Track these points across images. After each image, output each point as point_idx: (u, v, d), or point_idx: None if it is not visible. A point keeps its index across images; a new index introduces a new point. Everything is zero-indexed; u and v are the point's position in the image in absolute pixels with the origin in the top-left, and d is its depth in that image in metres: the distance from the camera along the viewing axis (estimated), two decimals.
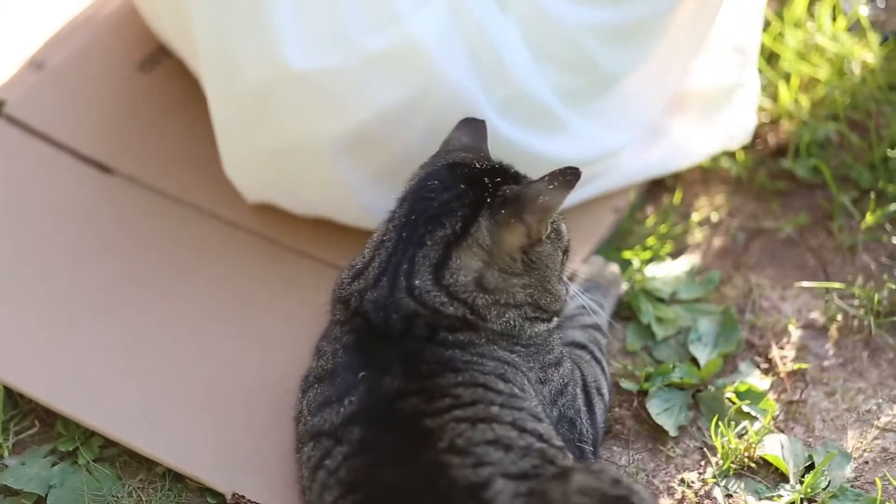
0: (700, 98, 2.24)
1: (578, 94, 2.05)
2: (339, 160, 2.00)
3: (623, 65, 2.06)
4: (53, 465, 1.95)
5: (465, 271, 1.76)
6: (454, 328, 1.75)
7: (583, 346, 1.93)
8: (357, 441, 1.69)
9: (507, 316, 1.78)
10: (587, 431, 1.85)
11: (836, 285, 2.12)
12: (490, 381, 1.72)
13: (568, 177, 1.75)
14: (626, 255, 2.17)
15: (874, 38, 2.39)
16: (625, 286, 2.11)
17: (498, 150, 1.91)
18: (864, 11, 2.45)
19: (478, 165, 1.82)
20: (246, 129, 2.04)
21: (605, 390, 1.91)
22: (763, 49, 2.38)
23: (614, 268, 2.11)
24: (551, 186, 1.74)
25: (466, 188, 1.78)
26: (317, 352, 1.84)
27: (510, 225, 1.75)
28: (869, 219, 2.17)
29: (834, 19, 2.43)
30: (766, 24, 2.40)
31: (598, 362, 1.93)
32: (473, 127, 1.90)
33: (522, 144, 2.02)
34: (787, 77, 2.36)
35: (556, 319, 1.85)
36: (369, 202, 2.05)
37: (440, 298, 1.75)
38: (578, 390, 1.86)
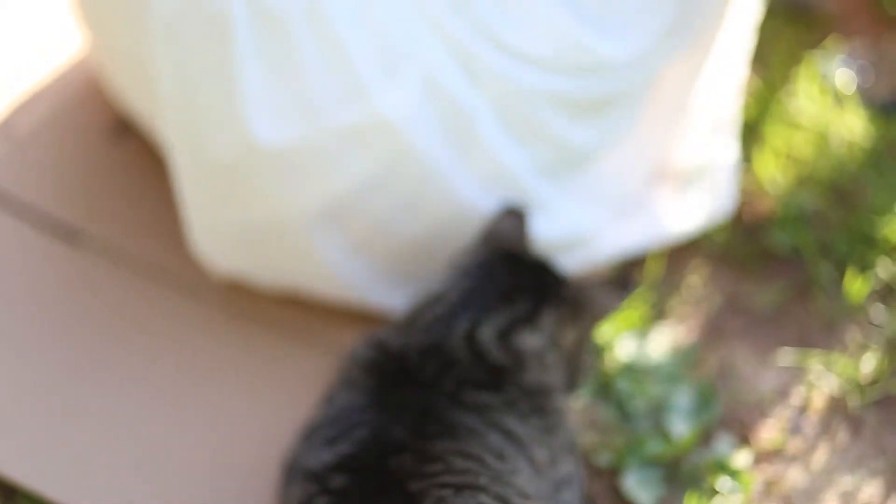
0: (679, 175, 2.22)
1: (553, 170, 2.03)
2: (312, 234, 1.98)
3: (596, 140, 2.03)
4: None
5: (528, 344, 1.82)
6: (481, 385, 1.77)
7: (572, 444, 1.90)
8: (339, 492, 1.66)
9: (543, 376, 1.82)
10: None
11: (817, 359, 2.08)
12: (484, 456, 1.70)
13: (622, 287, 1.88)
14: (603, 326, 2.13)
15: (859, 108, 2.38)
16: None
17: (477, 226, 1.95)
18: (848, 79, 2.44)
19: (534, 257, 1.90)
20: (214, 204, 2.02)
21: (583, 485, 1.90)
22: (744, 119, 2.36)
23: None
24: (608, 294, 1.86)
25: (532, 277, 1.86)
26: (326, 399, 1.83)
27: (570, 323, 1.85)
28: (850, 291, 2.14)
29: (817, 87, 2.41)
30: (748, 95, 2.39)
31: (580, 457, 1.91)
32: (516, 218, 1.94)
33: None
34: (768, 148, 2.34)
35: (569, 401, 1.90)
36: (346, 275, 2.03)
37: (493, 347, 1.79)
38: (572, 490, 1.84)
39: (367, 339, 1.86)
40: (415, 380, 1.77)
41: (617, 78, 2.00)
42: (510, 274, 1.86)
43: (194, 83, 1.92)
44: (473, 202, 1.97)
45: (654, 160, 2.18)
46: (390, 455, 1.67)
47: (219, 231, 2.04)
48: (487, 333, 1.80)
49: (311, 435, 1.78)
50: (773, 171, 2.31)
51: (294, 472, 1.75)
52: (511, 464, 1.72)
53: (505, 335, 1.81)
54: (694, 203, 2.22)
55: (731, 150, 2.22)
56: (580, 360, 1.89)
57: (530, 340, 1.82)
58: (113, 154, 2.33)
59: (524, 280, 1.86)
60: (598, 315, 1.88)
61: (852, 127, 2.36)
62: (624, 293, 1.88)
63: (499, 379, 1.79)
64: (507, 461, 1.72)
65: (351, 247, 2.00)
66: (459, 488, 1.63)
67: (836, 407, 2.05)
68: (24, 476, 1.93)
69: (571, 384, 1.89)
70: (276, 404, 1.99)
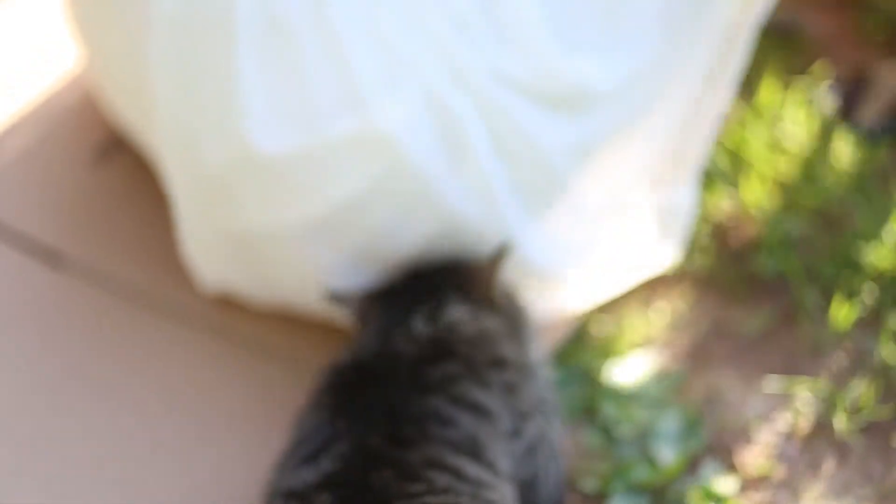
0: (642, 216, 2.19)
1: (534, 196, 2.02)
2: (306, 245, 1.97)
3: (576, 167, 2.03)
4: None
5: (458, 313, 1.88)
6: (436, 357, 1.81)
7: (544, 403, 1.93)
8: None
9: (482, 325, 1.88)
10: (544, 495, 1.84)
11: (803, 385, 2.08)
12: (461, 465, 1.70)
13: (501, 251, 1.91)
14: (588, 352, 2.13)
15: (846, 133, 2.38)
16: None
17: (456, 242, 1.98)
18: (834, 105, 2.44)
19: (415, 267, 1.98)
20: (208, 214, 2.01)
21: (561, 449, 1.92)
22: (729, 144, 2.36)
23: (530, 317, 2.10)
24: (486, 263, 1.92)
25: (425, 276, 1.95)
26: (297, 425, 1.83)
27: (467, 293, 1.90)
28: (837, 317, 2.13)
29: (803, 112, 2.41)
30: (733, 119, 2.39)
31: (556, 418, 1.93)
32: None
33: (486, 241, 2.00)
34: (754, 173, 2.34)
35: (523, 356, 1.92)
36: (344, 284, 2.02)
37: (431, 328, 1.85)
38: (543, 451, 1.86)
39: (322, 370, 1.90)
40: (374, 379, 1.80)
41: (607, 112, 2.00)
42: (399, 293, 1.94)
43: (192, 89, 1.92)
44: (463, 220, 1.97)
45: (626, 198, 2.16)
46: (372, 470, 1.68)
47: (212, 242, 2.04)
48: (420, 322, 1.86)
49: (286, 460, 1.78)
50: (759, 196, 2.31)
51: (275, 493, 1.75)
52: (488, 456, 1.74)
53: (436, 320, 1.87)
54: (646, 249, 2.20)
55: (691, 195, 2.20)
56: (499, 314, 1.93)
57: (457, 311, 1.88)
58: (98, 177, 2.33)
59: (412, 288, 1.93)
60: (486, 278, 1.92)
61: (839, 152, 2.36)
62: (501, 256, 1.91)
63: (449, 349, 1.83)
64: (481, 458, 1.74)
65: (345, 259, 2.00)
66: None
67: (823, 433, 2.03)
68: (3, 500, 1.92)
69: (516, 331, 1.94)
70: (262, 429, 1.98)
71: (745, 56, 2.08)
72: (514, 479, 1.79)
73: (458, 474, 1.69)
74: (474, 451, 1.74)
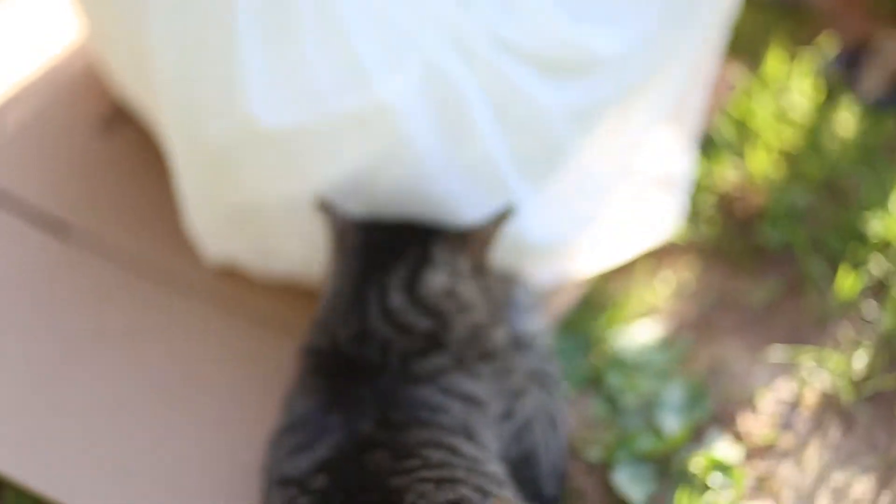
0: (643, 186, 2.20)
1: (533, 167, 2.02)
2: (309, 218, 1.97)
3: (579, 139, 2.03)
4: None
5: (434, 282, 1.83)
6: (424, 351, 1.79)
7: (541, 375, 1.93)
8: (320, 491, 1.67)
9: (469, 320, 1.84)
10: (546, 467, 1.85)
11: (809, 355, 2.08)
12: (456, 444, 1.71)
13: (502, 213, 1.89)
14: (593, 321, 2.13)
15: (852, 104, 2.38)
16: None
17: (453, 219, 1.97)
18: (840, 78, 2.44)
19: (394, 218, 1.95)
20: (210, 187, 2.01)
21: (564, 419, 1.92)
22: (735, 115, 2.36)
23: (532, 291, 2.10)
24: (486, 224, 1.88)
25: (403, 229, 1.90)
26: (286, 406, 1.84)
27: (460, 251, 1.86)
28: (842, 288, 2.13)
29: (810, 84, 2.41)
30: (740, 90, 2.39)
31: (556, 389, 1.93)
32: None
33: (477, 216, 1.99)
34: (758, 143, 2.34)
35: (505, 326, 1.91)
36: None
37: (414, 314, 1.81)
38: (539, 426, 1.86)
39: (302, 346, 1.89)
40: (361, 369, 1.79)
41: (608, 79, 2.00)
42: (385, 235, 1.89)
43: (194, 62, 1.91)
44: (458, 196, 1.97)
45: (627, 166, 2.16)
46: (365, 453, 1.69)
47: (214, 215, 2.04)
48: (397, 299, 1.82)
49: (279, 442, 1.79)
50: (764, 167, 2.31)
51: (271, 480, 1.77)
52: (480, 441, 1.75)
53: (412, 289, 1.83)
54: (647, 219, 2.21)
55: (691, 162, 2.20)
56: (487, 288, 1.90)
57: (436, 279, 1.84)
58: (103, 147, 2.32)
59: (400, 234, 1.89)
60: (484, 238, 1.89)
61: (844, 123, 2.36)
62: (502, 217, 1.89)
63: (436, 340, 1.81)
64: (475, 439, 1.74)
65: None
66: (439, 482, 1.64)
67: (828, 403, 2.04)
68: (10, 468, 1.93)
69: (495, 314, 1.90)
70: (266, 400, 1.98)
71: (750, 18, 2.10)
72: (506, 459, 1.80)
73: (453, 451, 1.71)
74: (468, 434, 1.76)
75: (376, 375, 1.79)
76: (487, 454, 1.75)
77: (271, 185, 1.96)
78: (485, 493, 1.65)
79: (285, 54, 1.88)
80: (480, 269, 1.90)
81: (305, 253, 2.04)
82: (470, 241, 1.88)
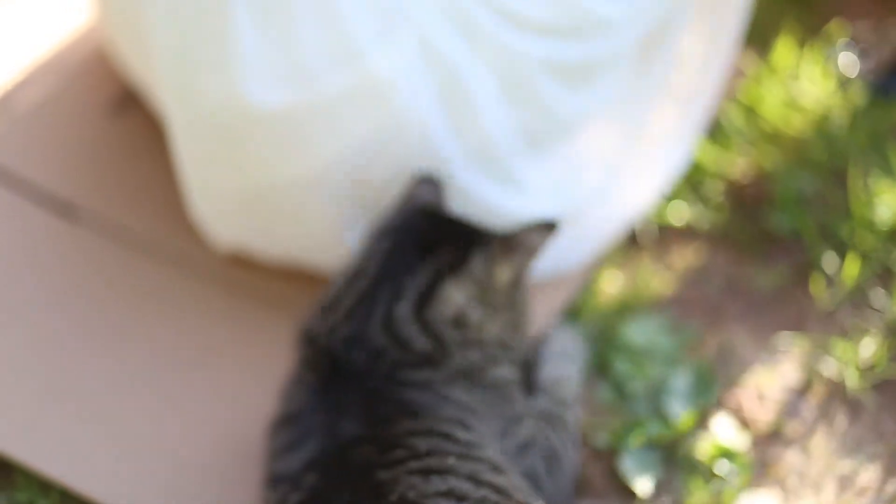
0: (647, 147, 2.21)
1: (538, 139, 2.03)
2: (309, 198, 1.97)
3: (583, 107, 2.04)
4: None
5: (449, 303, 1.78)
6: (416, 365, 1.76)
7: (550, 417, 1.89)
8: (310, 489, 1.67)
9: (470, 355, 1.79)
10: (549, 497, 1.81)
11: (816, 342, 2.08)
12: (450, 429, 1.70)
13: (548, 224, 1.80)
14: (601, 307, 2.13)
15: (859, 90, 2.37)
16: (587, 353, 2.07)
17: (455, 196, 1.96)
18: (849, 63, 2.44)
19: (454, 213, 1.87)
20: (211, 170, 2.01)
21: (569, 459, 1.87)
22: (745, 101, 2.35)
23: (578, 337, 2.08)
24: (535, 231, 1.80)
25: (454, 227, 1.83)
26: (283, 395, 1.83)
27: (503, 261, 1.79)
28: (850, 275, 2.13)
29: (818, 70, 2.40)
30: (750, 77, 2.39)
31: (565, 432, 1.89)
32: (433, 184, 1.91)
33: (480, 193, 2.00)
34: (769, 130, 2.34)
35: (513, 368, 1.85)
36: (348, 237, 2.02)
37: (413, 330, 1.76)
38: (538, 455, 1.83)
39: (300, 330, 1.86)
40: (349, 371, 1.76)
41: (610, 39, 2.01)
42: (431, 226, 1.84)
43: (189, 46, 1.91)
44: (458, 171, 1.97)
45: (636, 144, 2.17)
46: (351, 449, 1.68)
47: (217, 198, 2.04)
48: (403, 313, 1.77)
49: (273, 435, 1.79)
50: (774, 154, 2.31)
51: (266, 476, 1.77)
52: (476, 431, 1.73)
53: (420, 305, 1.77)
54: (654, 172, 2.22)
55: (693, 143, 2.22)
56: (519, 304, 1.85)
57: (452, 292, 1.78)
58: (113, 130, 2.33)
59: (446, 230, 1.83)
60: (530, 251, 1.82)
61: (853, 110, 2.36)
62: (550, 230, 1.81)
63: (431, 361, 1.77)
64: (471, 429, 1.72)
65: (349, 212, 2.00)
66: (427, 473, 1.62)
67: (835, 391, 2.04)
68: (18, 451, 1.93)
69: (516, 333, 1.85)
70: (272, 381, 1.97)
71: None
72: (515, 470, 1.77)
73: (446, 437, 1.69)
74: (463, 423, 1.73)
75: (364, 377, 1.76)
76: (484, 441, 1.73)
77: (271, 167, 1.96)
78: (478, 482, 1.63)
79: (279, 35, 1.87)
80: (518, 283, 1.84)
81: (310, 238, 2.04)
82: (516, 249, 1.81)
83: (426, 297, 1.78)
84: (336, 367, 1.77)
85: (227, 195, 2.02)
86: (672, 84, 2.17)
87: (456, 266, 1.79)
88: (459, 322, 1.79)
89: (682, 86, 2.18)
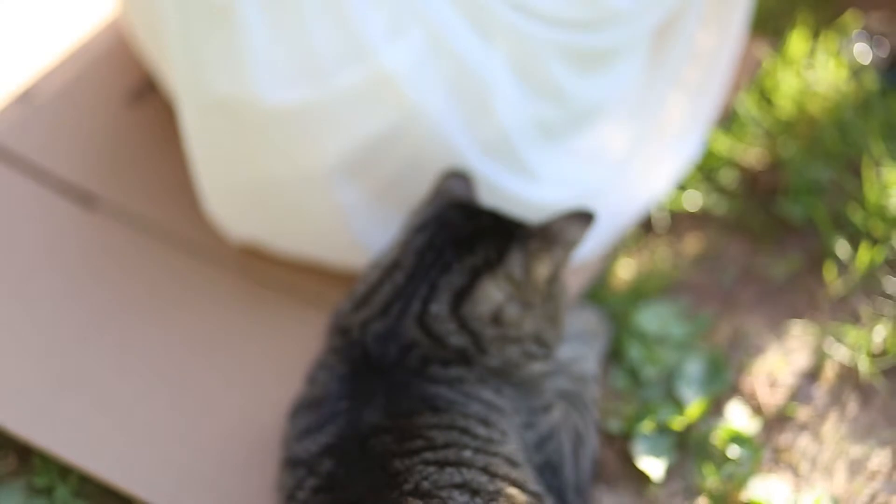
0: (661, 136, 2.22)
1: (554, 129, 2.04)
2: (320, 194, 1.98)
3: (600, 94, 2.05)
4: (29, 499, 1.92)
5: (486, 301, 1.77)
6: (448, 362, 1.75)
7: (571, 395, 1.89)
8: (327, 474, 1.68)
9: (507, 351, 1.78)
10: (570, 479, 1.82)
11: (829, 329, 2.09)
12: (470, 426, 1.70)
13: (585, 215, 1.79)
14: (615, 294, 2.15)
15: (872, 79, 2.38)
16: (612, 332, 2.08)
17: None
18: (862, 52, 2.45)
19: (488, 208, 1.86)
20: (223, 165, 2.03)
21: (592, 438, 1.88)
22: (760, 90, 2.36)
23: (602, 316, 2.09)
24: (573, 223, 1.79)
25: (491, 221, 1.82)
26: (309, 379, 1.83)
27: (541, 257, 1.78)
28: (862, 262, 2.14)
29: (832, 60, 2.41)
30: (765, 67, 2.39)
31: (586, 411, 1.89)
32: (464, 179, 1.91)
33: (496, 183, 2.01)
34: (784, 119, 2.34)
35: (550, 362, 1.83)
36: (360, 232, 2.03)
37: (449, 327, 1.75)
38: (566, 437, 1.83)
39: (335, 315, 1.85)
40: (380, 363, 1.76)
41: (622, 28, 2.02)
42: (467, 221, 1.82)
43: (200, 42, 1.92)
44: (472, 164, 1.98)
45: (651, 131, 2.18)
46: (370, 438, 1.68)
47: (228, 192, 2.06)
48: (440, 310, 1.76)
49: (294, 417, 1.79)
50: (788, 142, 2.31)
51: (284, 459, 1.78)
52: (498, 429, 1.72)
53: (457, 303, 1.76)
54: (669, 159, 2.23)
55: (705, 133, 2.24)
56: (557, 299, 1.83)
57: (489, 291, 1.77)
58: (131, 120, 2.34)
59: (482, 225, 1.82)
60: (569, 245, 1.80)
61: (867, 99, 2.36)
62: (588, 222, 1.80)
63: (465, 358, 1.77)
64: (493, 427, 1.72)
65: (361, 207, 2.01)
66: (443, 464, 1.63)
67: (847, 377, 2.05)
68: (38, 437, 1.95)
69: (554, 329, 1.83)
70: (288, 369, 1.99)
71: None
72: (533, 465, 1.77)
73: (464, 431, 1.69)
74: (485, 422, 1.73)
75: (394, 370, 1.76)
76: (503, 437, 1.73)
77: (282, 161, 1.97)
78: (493, 475, 1.64)
79: (289, 29, 1.88)
80: (556, 279, 1.83)
81: (321, 233, 2.05)
82: (554, 243, 1.79)
83: (463, 295, 1.77)
84: (366, 359, 1.77)
85: (238, 189, 2.03)
86: (684, 75, 2.18)
87: (493, 263, 1.78)
88: (497, 319, 1.78)
89: (694, 77, 2.19)
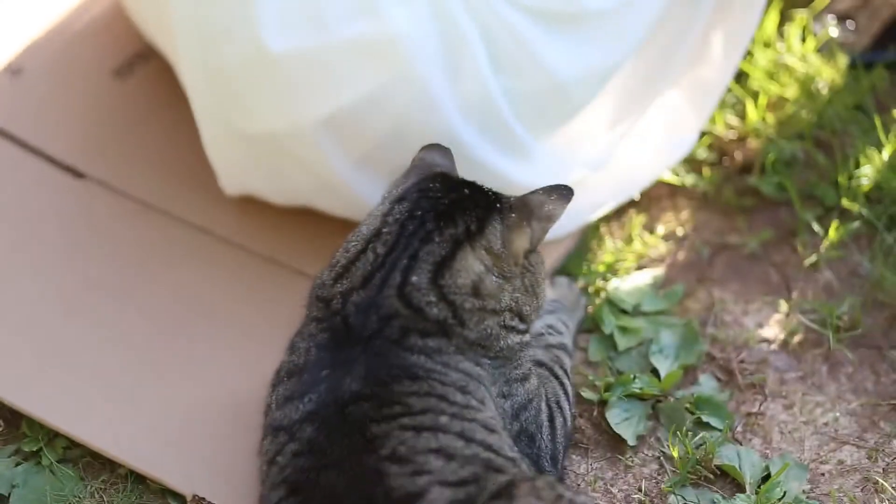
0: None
1: (535, 109, 2.06)
2: (318, 143, 2.00)
3: (579, 73, 2.06)
4: (17, 465, 1.95)
5: (466, 273, 1.77)
6: (427, 333, 1.75)
7: (546, 365, 1.92)
8: (307, 440, 1.70)
9: (486, 323, 1.78)
10: (546, 446, 1.84)
11: (799, 301, 2.13)
12: (448, 393, 1.72)
13: (563, 191, 1.82)
14: (591, 267, 2.19)
15: (842, 58, 2.41)
16: (588, 305, 2.12)
17: (455, 156, 1.95)
18: (833, 32, 2.48)
19: (467, 181, 1.86)
20: (226, 113, 2.04)
21: (566, 407, 1.90)
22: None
23: (577, 288, 2.12)
24: (552, 197, 1.81)
25: (471, 193, 1.82)
26: (290, 347, 1.83)
27: (520, 229, 1.80)
28: (832, 236, 2.19)
29: (803, 40, 2.45)
30: None
31: (561, 381, 1.92)
32: (443, 151, 1.91)
33: (479, 154, 2.03)
34: (755, 95, 2.38)
35: (527, 334, 1.85)
36: (356, 185, 2.05)
37: (428, 298, 1.75)
38: (543, 405, 1.86)
39: (316, 285, 1.85)
40: (360, 333, 1.76)
41: (603, 30, 2.05)
42: (447, 192, 1.82)
43: None
44: (454, 132, 2.00)
45: (632, 112, 2.20)
46: (349, 405, 1.70)
47: (229, 143, 2.08)
48: (420, 280, 1.76)
49: (276, 385, 1.81)
50: (759, 120, 2.35)
51: (267, 426, 1.79)
52: (475, 396, 1.74)
53: (437, 274, 1.76)
54: (659, 145, 2.26)
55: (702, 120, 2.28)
56: (536, 272, 1.84)
57: (470, 262, 1.77)
58: (120, 91, 2.36)
59: (463, 196, 1.82)
60: (547, 219, 1.82)
61: (839, 79, 2.40)
62: (567, 197, 1.82)
63: (443, 329, 1.77)
64: (470, 395, 1.74)
65: (355, 159, 2.03)
66: (419, 430, 1.66)
67: (816, 347, 2.09)
68: (27, 403, 1.96)
69: (533, 301, 1.84)
70: (274, 339, 1.97)
71: None
72: (510, 434, 1.79)
73: (441, 398, 1.71)
74: (463, 389, 1.74)
75: (374, 340, 1.75)
76: (481, 405, 1.75)
77: (282, 110, 1.99)
78: (469, 440, 1.66)
79: None
80: (534, 252, 1.84)
81: (317, 181, 2.07)
82: (533, 216, 1.80)
83: (443, 266, 1.77)
84: (346, 329, 1.77)
85: (241, 136, 2.05)
86: (686, 76, 2.21)
87: (473, 234, 1.79)
88: (476, 291, 1.78)
89: (697, 78, 2.23)
